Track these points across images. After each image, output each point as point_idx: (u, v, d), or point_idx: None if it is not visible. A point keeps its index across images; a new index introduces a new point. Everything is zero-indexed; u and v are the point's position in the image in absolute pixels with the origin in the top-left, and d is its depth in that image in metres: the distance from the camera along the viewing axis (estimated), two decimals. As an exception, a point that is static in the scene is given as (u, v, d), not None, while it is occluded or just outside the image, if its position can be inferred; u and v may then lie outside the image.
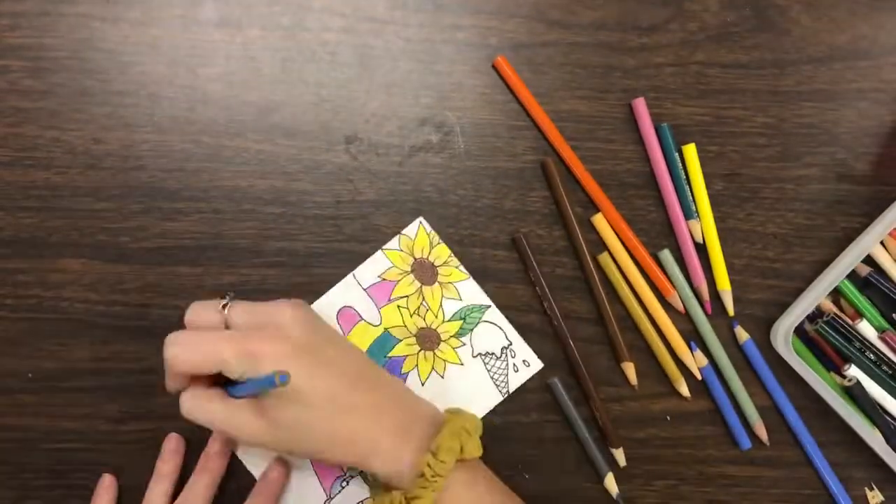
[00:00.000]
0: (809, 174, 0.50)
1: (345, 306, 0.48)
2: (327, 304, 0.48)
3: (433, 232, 0.48)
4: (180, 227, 0.48)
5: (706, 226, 0.49)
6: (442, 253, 0.48)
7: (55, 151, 0.47)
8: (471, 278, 0.48)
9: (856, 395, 0.48)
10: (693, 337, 0.50)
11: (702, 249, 0.49)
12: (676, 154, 0.49)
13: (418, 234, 0.48)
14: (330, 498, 0.47)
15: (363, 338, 0.48)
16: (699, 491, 0.50)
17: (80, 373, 0.47)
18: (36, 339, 0.47)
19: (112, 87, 0.47)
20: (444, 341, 0.48)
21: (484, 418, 0.49)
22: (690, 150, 0.49)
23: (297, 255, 0.48)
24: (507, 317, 0.49)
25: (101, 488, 0.46)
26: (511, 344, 0.49)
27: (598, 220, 0.49)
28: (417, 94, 0.48)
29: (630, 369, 0.49)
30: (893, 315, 0.48)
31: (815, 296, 0.48)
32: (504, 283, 0.49)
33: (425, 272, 0.48)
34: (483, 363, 0.49)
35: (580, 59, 0.49)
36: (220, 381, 0.42)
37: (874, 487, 0.50)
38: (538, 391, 0.49)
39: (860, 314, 0.49)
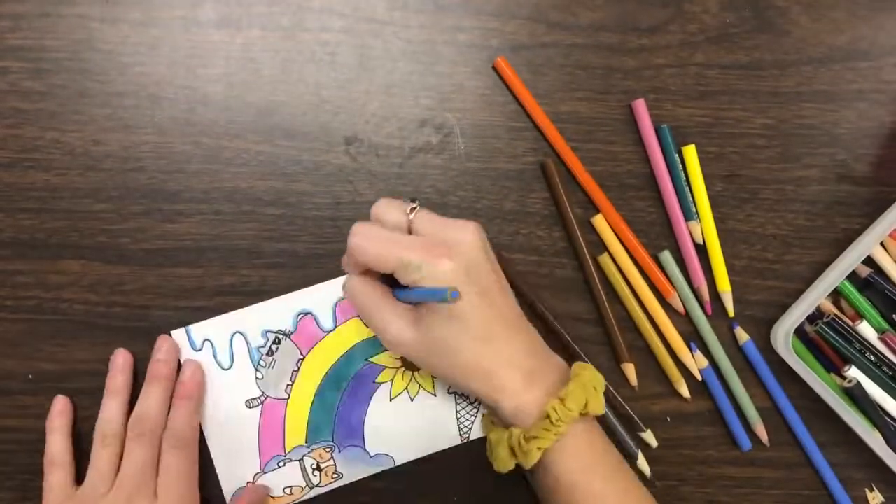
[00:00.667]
0: (809, 175, 0.50)
1: (345, 299, 0.48)
2: (330, 290, 0.48)
3: None
4: (180, 228, 0.48)
5: (706, 227, 0.49)
6: None
7: (55, 153, 0.47)
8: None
9: (856, 395, 0.48)
10: (693, 338, 0.50)
11: (702, 250, 0.49)
12: (676, 155, 0.49)
13: None
14: (262, 472, 0.47)
15: (352, 334, 0.48)
16: (699, 491, 0.50)
17: (80, 374, 0.47)
18: (36, 340, 0.47)
19: (112, 88, 0.47)
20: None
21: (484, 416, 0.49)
22: (690, 152, 0.49)
23: (297, 256, 0.48)
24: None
25: (55, 412, 0.46)
26: None
27: (598, 221, 0.49)
28: (417, 95, 0.48)
29: (630, 370, 0.49)
30: (893, 316, 0.48)
31: (815, 297, 0.48)
32: (504, 284, 0.49)
33: None
34: (455, 402, 0.49)
35: (580, 61, 0.49)
36: (389, 283, 0.43)
37: (874, 488, 0.50)
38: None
39: (860, 315, 0.49)
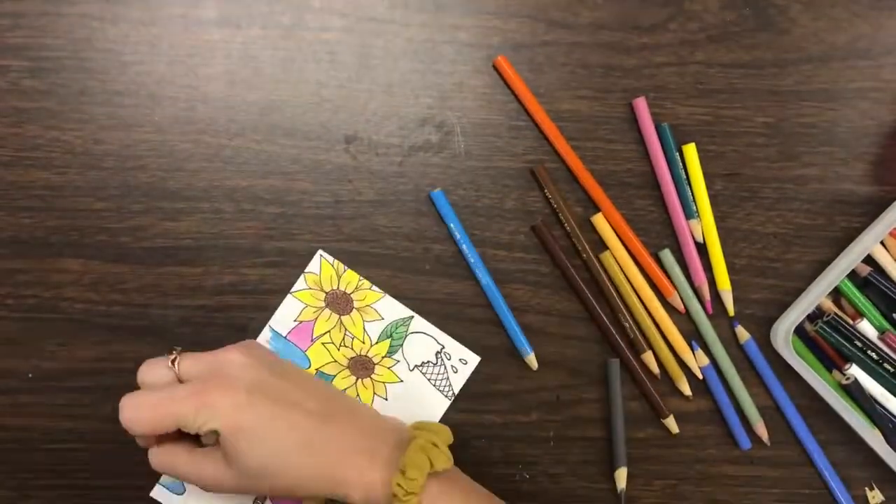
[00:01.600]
0: (809, 174, 0.50)
1: (299, 325, 0.48)
2: (285, 313, 0.48)
3: (336, 261, 0.48)
4: (180, 226, 0.47)
5: (706, 225, 0.49)
6: (351, 278, 0.48)
7: (55, 151, 0.47)
8: (386, 295, 0.48)
9: (854, 393, 0.48)
10: (694, 337, 0.50)
11: (702, 249, 0.49)
12: (677, 154, 0.49)
13: (322, 268, 0.48)
14: None
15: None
16: (699, 491, 0.50)
17: (80, 373, 0.47)
18: (36, 339, 0.47)
19: (112, 86, 0.47)
20: (378, 364, 0.48)
21: (485, 417, 0.49)
22: (690, 150, 0.49)
23: (297, 254, 0.48)
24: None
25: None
26: (444, 347, 0.48)
27: (599, 220, 0.49)
28: (418, 93, 0.48)
29: (650, 358, 0.49)
30: (894, 315, 0.48)
31: (816, 295, 0.48)
32: (503, 284, 0.49)
33: (340, 303, 0.48)
34: (421, 373, 0.49)
35: (581, 59, 0.49)
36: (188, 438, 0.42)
37: (874, 487, 0.50)
38: (537, 391, 0.49)
39: (860, 314, 0.49)
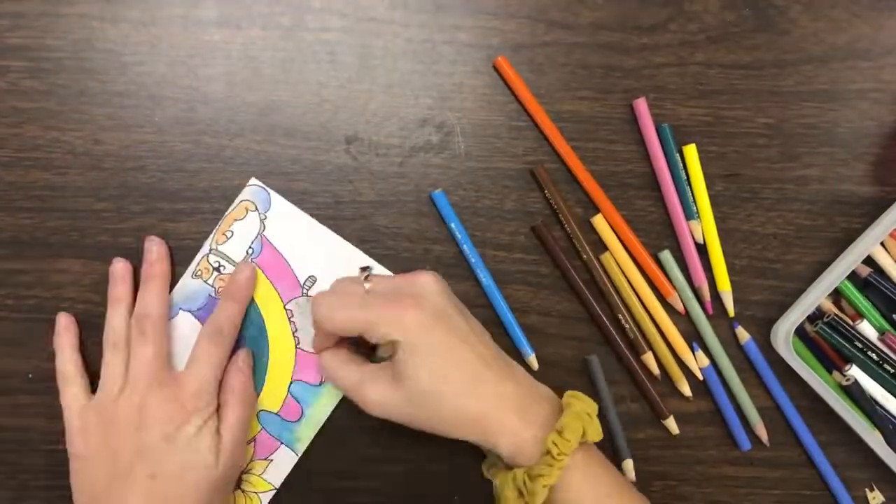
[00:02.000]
0: (809, 174, 0.50)
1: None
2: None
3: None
4: (180, 227, 0.47)
5: (706, 226, 0.49)
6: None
7: (55, 152, 0.47)
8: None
9: (854, 394, 0.48)
10: (694, 338, 0.50)
11: (702, 250, 0.49)
12: (677, 154, 0.49)
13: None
14: None
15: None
16: (699, 491, 0.50)
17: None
18: (36, 340, 0.47)
19: (112, 87, 0.47)
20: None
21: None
22: (691, 151, 0.49)
23: (297, 255, 0.48)
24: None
25: (61, 328, 0.46)
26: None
27: (598, 221, 0.49)
28: (418, 94, 0.48)
29: (650, 359, 0.49)
30: (894, 316, 0.48)
31: (816, 296, 0.48)
32: (503, 284, 0.49)
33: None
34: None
35: (581, 60, 0.49)
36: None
37: (874, 488, 0.50)
38: (538, 391, 0.49)
39: (861, 315, 0.49)
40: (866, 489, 0.50)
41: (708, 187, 0.49)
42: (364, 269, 0.44)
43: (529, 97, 0.48)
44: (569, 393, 0.43)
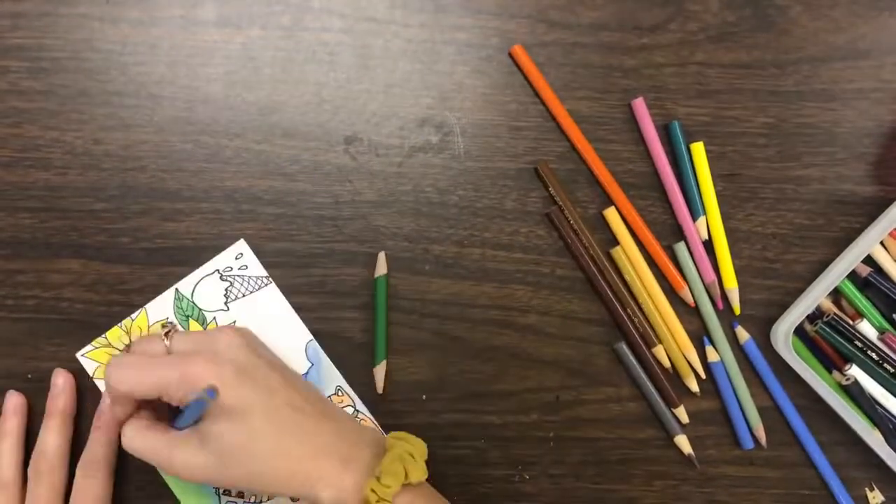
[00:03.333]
0: (809, 174, 0.50)
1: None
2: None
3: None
4: (180, 227, 0.48)
5: (713, 224, 0.49)
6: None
7: (55, 152, 0.47)
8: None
9: (854, 394, 0.48)
10: (701, 334, 0.50)
11: (707, 248, 0.49)
12: (685, 151, 0.49)
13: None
14: None
15: None
16: (699, 491, 0.50)
17: (80, 373, 0.47)
18: (36, 340, 0.47)
19: (112, 87, 0.47)
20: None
21: (484, 417, 0.49)
22: (699, 149, 0.49)
23: (296, 255, 0.48)
24: (506, 319, 0.49)
25: (9, 409, 0.45)
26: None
27: (611, 214, 0.49)
28: (417, 94, 0.48)
29: (661, 352, 0.49)
30: (894, 315, 0.48)
31: (815, 296, 0.48)
32: (504, 283, 0.49)
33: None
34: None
35: (581, 60, 0.49)
36: (164, 419, 0.43)
37: (874, 488, 0.50)
38: (537, 391, 0.49)
39: (860, 314, 0.49)
40: (866, 489, 0.50)
41: (717, 190, 0.49)
42: (165, 325, 0.42)
43: (544, 85, 0.48)
44: (392, 434, 0.43)
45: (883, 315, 0.49)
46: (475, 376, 0.49)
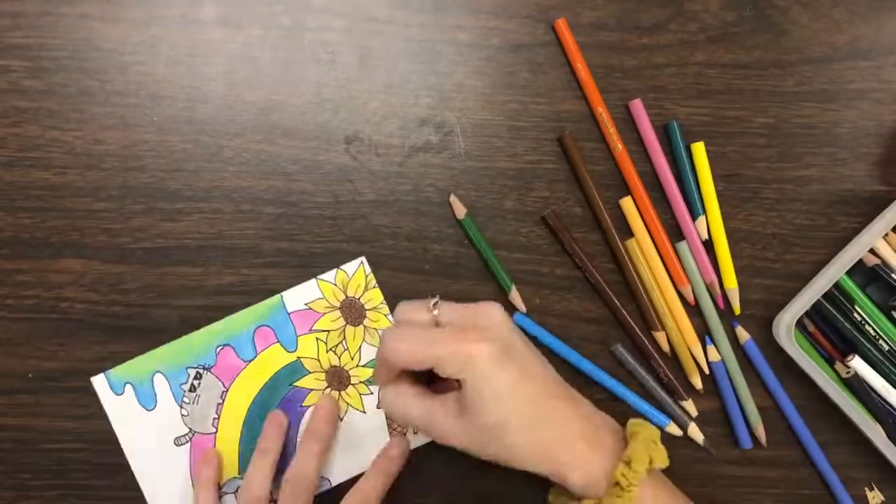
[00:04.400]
0: (809, 174, 0.50)
1: (263, 325, 0.48)
2: (247, 318, 0.48)
3: (371, 274, 0.48)
4: (180, 227, 0.47)
5: (713, 224, 0.49)
6: (374, 297, 0.48)
7: (55, 152, 0.47)
8: None
9: (855, 387, 0.48)
10: (702, 333, 0.50)
11: (707, 248, 0.49)
12: (684, 151, 0.49)
13: (356, 273, 0.48)
14: None
15: (273, 361, 0.48)
16: (699, 491, 0.50)
17: (80, 373, 0.47)
18: (36, 339, 0.47)
19: (112, 86, 0.47)
20: (353, 385, 0.48)
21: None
22: (699, 149, 0.49)
23: (296, 255, 0.48)
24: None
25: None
26: None
27: (626, 204, 0.49)
28: (418, 94, 0.48)
29: (662, 338, 0.49)
30: (893, 313, 0.48)
31: (818, 288, 0.47)
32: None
33: (353, 312, 0.48)
34: (385, 417, 0.48)
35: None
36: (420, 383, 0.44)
37: (874, 487, 0.50)
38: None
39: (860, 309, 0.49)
40: (866, 488, 0.50)
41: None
42: (433, 296, 0.43)
43: (582, 64, 0.48)
44: (632, 421, 0.43)
45: (882, 311, 0.49)
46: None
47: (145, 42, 0.47)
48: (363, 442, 0.48)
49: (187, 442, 0.47)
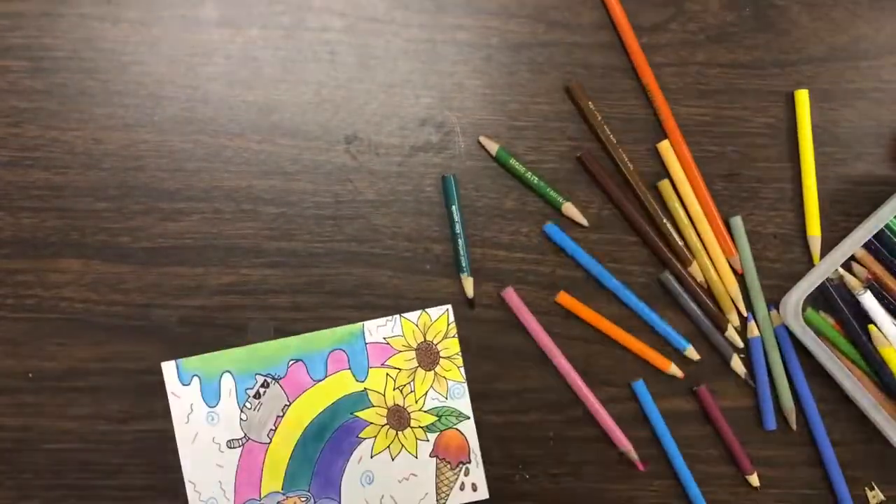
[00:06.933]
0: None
1: (339, 348, 0.48)
2: (325, 339, 0.48)
3: (454, 324, 0.48)
4: (180, 227, 0.48)
5: (806, 175, 0.49)
6: (452, 347, 0.48)
7: (55, 151, 0.47)
8: (465, 384, 0.48)
9: (871, 359, 0.47)
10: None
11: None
12: (455, 209, 0.48)
13: (438, 319, 0.48)
14: None
15: (341, 386, 0.48)
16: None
17: (80, 373, 0.47)
18: (36, 339, 0.47)
19: (112, 86, 0.47)
20: (412, 428, 0.48)
21: (485, 417, 0.49)
22: (802, 96, 0.49)
23: (296, 255, 0.48)
24: (506, 318, 0.49)
25: None
26: (469, 462, 0.48)
27: (664, 147, 0.49)
28: (418, 94, 0.48)
29: (696, 269, 0.49)
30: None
31: (827, 267, 0.47)
32: (503, 283, 0.49)
33: (428, 357, 0.48)
34: (436, 466, 0.48)
35: (581, 59, 0.49)
36: None
37: (874, 487, 0.50)
38: (539, 391, 0.49)
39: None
40: (865, 488, 0.50)
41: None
42: None
43: (629, 30, 0.48)
44: None
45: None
46: (475, 375, 0.49)
47: (145, 42, 0.47)
48: (408, 487, 0.48)
49: (240, 446, 0.47)
